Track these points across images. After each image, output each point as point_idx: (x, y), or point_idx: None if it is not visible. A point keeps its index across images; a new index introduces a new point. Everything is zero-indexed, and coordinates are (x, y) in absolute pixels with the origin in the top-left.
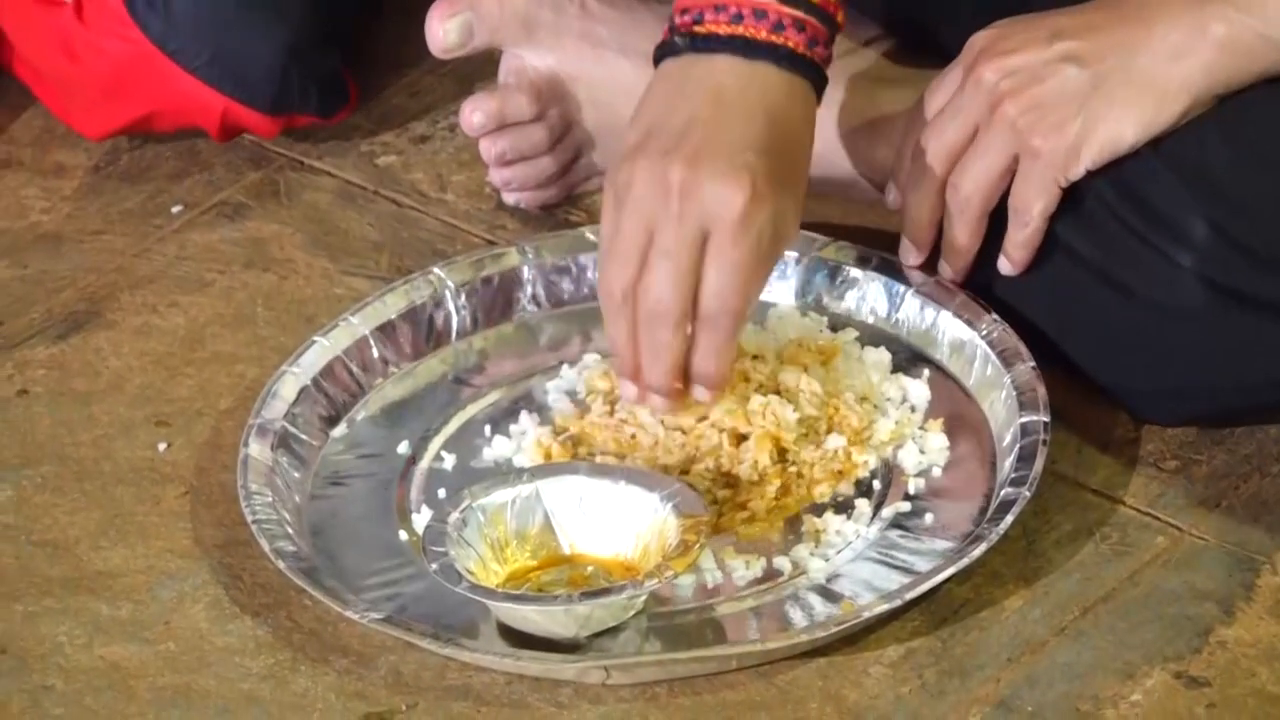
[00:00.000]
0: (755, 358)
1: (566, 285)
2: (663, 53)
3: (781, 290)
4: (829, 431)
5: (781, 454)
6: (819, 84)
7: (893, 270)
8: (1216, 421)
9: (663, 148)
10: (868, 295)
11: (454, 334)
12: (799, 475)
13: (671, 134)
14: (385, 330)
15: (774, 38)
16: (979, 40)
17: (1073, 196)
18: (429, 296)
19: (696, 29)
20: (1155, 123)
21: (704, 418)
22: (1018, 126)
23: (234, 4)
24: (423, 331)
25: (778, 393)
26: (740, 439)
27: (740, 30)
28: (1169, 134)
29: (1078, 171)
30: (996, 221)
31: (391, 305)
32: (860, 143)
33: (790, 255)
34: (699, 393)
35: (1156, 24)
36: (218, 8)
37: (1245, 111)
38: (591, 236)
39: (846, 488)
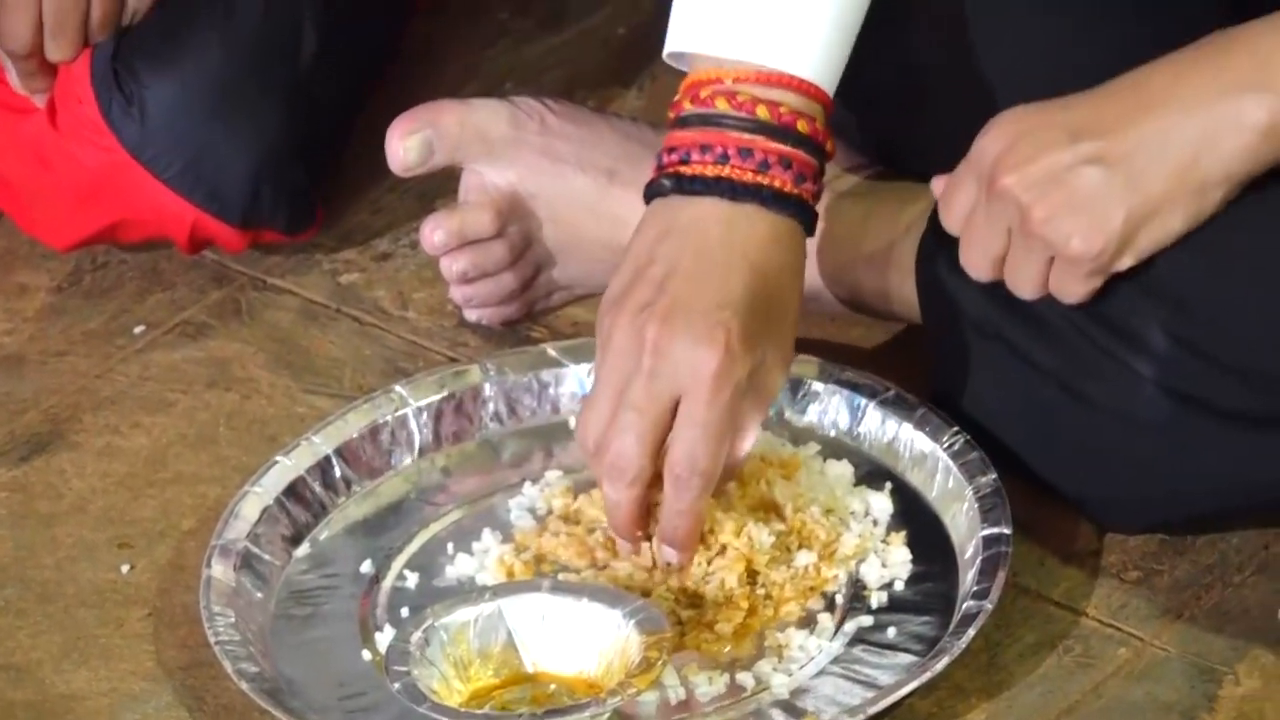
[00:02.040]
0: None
1: (528, 402)
2: (650, 192)
3: None
4: (800, 547)
5: (752, 576)
6: (809, 221)
7: (855, 384)
8: (1180, 529)
9: (640, 301)
10: (829, 409)
11: (416, 452)
12: (767, 596)
13: (651, 285)
14: (348, 449)
15: (760, 179)
16: (991, 146)
17: (1034, 309)
18: (391, 415)
19: (683, 169)
20: (1202, 212)
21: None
22: (1049, 235)
23: (210, 115)
24: (385, 450)
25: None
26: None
27: (725, 172)
28: None
29: (1121, 266)
30: (963, 335)
31: (354, 424)
32: (827, 258)
33: None
34: (667, 553)
35: (1185, 114)
36: (194, 117)
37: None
38: (553, 353)
39: (812, 602)
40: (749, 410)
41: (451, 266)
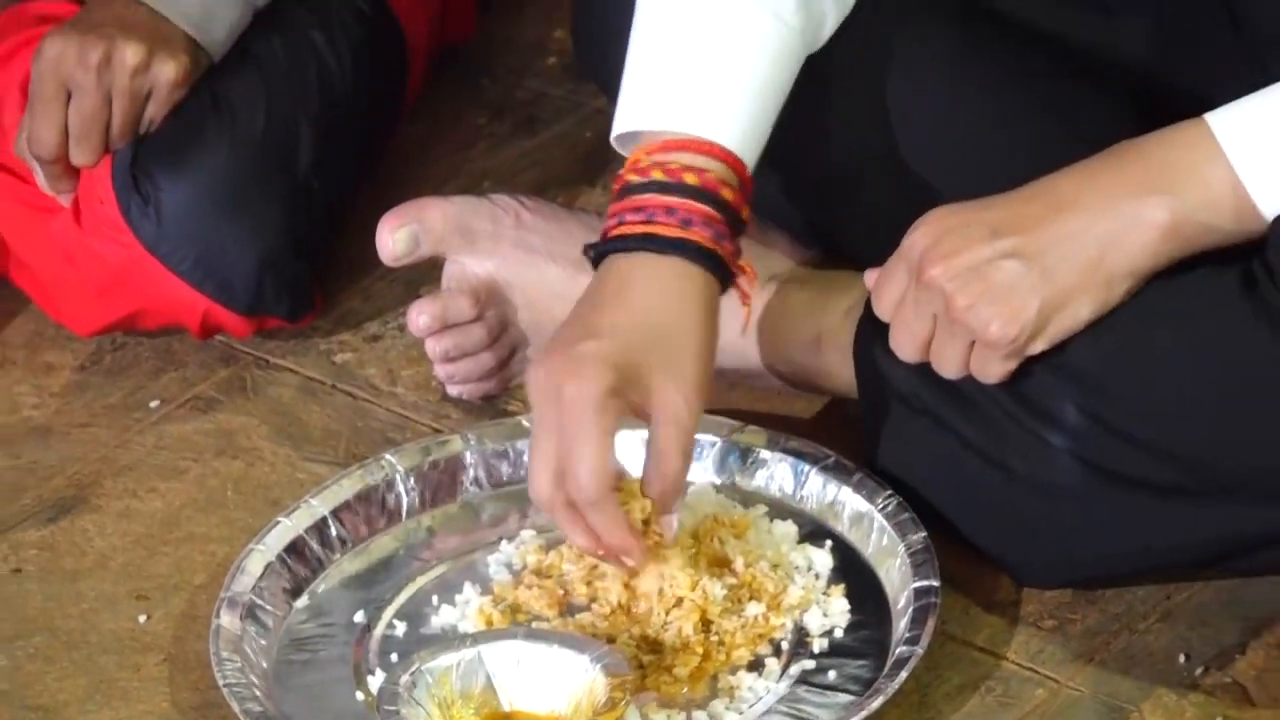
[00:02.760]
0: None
1: (505, 468)
2: (595, 255)
3: (699, 470)
4: (750, 599)
5: (706, 625)
6: (724, 274)
7: (798, 452)
8: (1090, 585)
9: (554, 344)
10: (776, 474)
11: (404, 514)
12: (720, 643)
13: (556, 339)
14: (342, 511)
15: (682, 233)
16: (920, 241)
17: (958, 387)
18: (381, 480)
19: (617, 231)
20: (1108, 302)
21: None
22: (971, 322)
23: (218, 214)
24: (376, 511)
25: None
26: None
27: (652, 229)
28: None
29: (1035, 350)
30: (894, 409)
31: (348, 488)
32: (775, 340)
33: (706, 439)
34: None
35: (1094, 215)
36: (204, 218)
37: None
38: (527, 424)
39: (760, 648)
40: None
41: (435, 347)
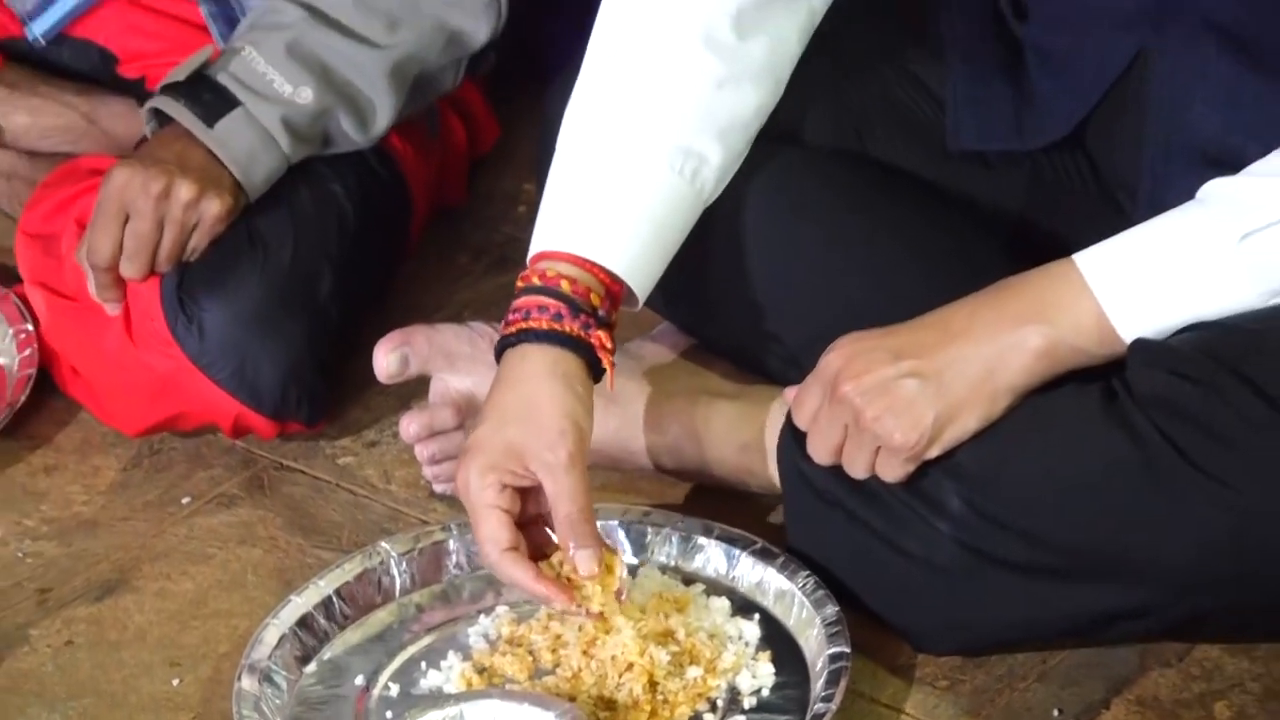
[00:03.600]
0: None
1: None
2: (495, 353)
3: (644, 556)
4: (690, 663)
5: (653, 685)
6: (588, 356)
7: (730, 538)
8: (976, 651)
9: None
10: (711, 558)
11: (397, 592)
12: (665, 701)
13: (477, 418)
14: (345, 590)
15: (553, 325)
16: (834, 361)
17: (865, 485)
18: (378, 564)
19: (503, 331)
20: (991, 414)
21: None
22: (877, 431)
23: (252, 333)
24: (373, 591)
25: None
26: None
27: (526, 324)
28: None
29: (931, 455)
30: (812, 503)
31: (349, 571)
32: (709, 447)
33: (653, 529)
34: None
35: (981, 341)
36: (240, 336)
37: None
38: None
39: (699, 705)
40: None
41: (423, 451)
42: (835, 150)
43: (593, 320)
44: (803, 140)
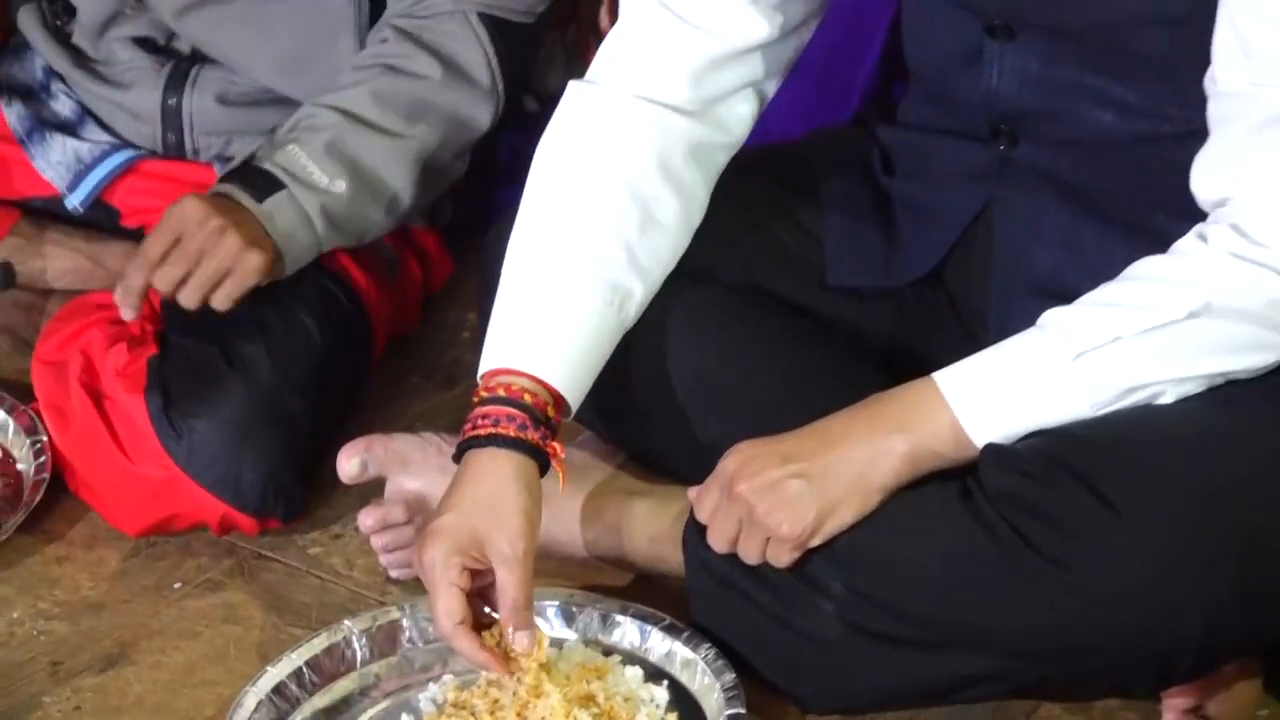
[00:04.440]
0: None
1: (431, 631)
2: (454, 457)
3: (570, 631)
4: None
5: None
6: (535, 455)
7: (644, 615)
8: (855, 711)
9: (426, 526)
10: (628, 632)
11: (358, 663)
12: None
13: (437, 511)
14: (313, 662)
15: (493, 430)
16: (730, 465)
17: (757, 569)
18: (341, 639)
19: (475, 432)
20: (865, 509)
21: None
22: (767, 524)
23: (235, 444)
24: (337, 662)
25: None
26: None
27: (475, 431)
28: None
29: (814, 543)
30: (712, 585)
31: (317, 645)
32: (626, 538)
33: (578, 608)
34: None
35: (855, 448)
36: (224, 446)
37: None
38: None
39: None
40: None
41: (378, 541)
42: (737, 286)
43: (549, 431)
44: (711, 278)
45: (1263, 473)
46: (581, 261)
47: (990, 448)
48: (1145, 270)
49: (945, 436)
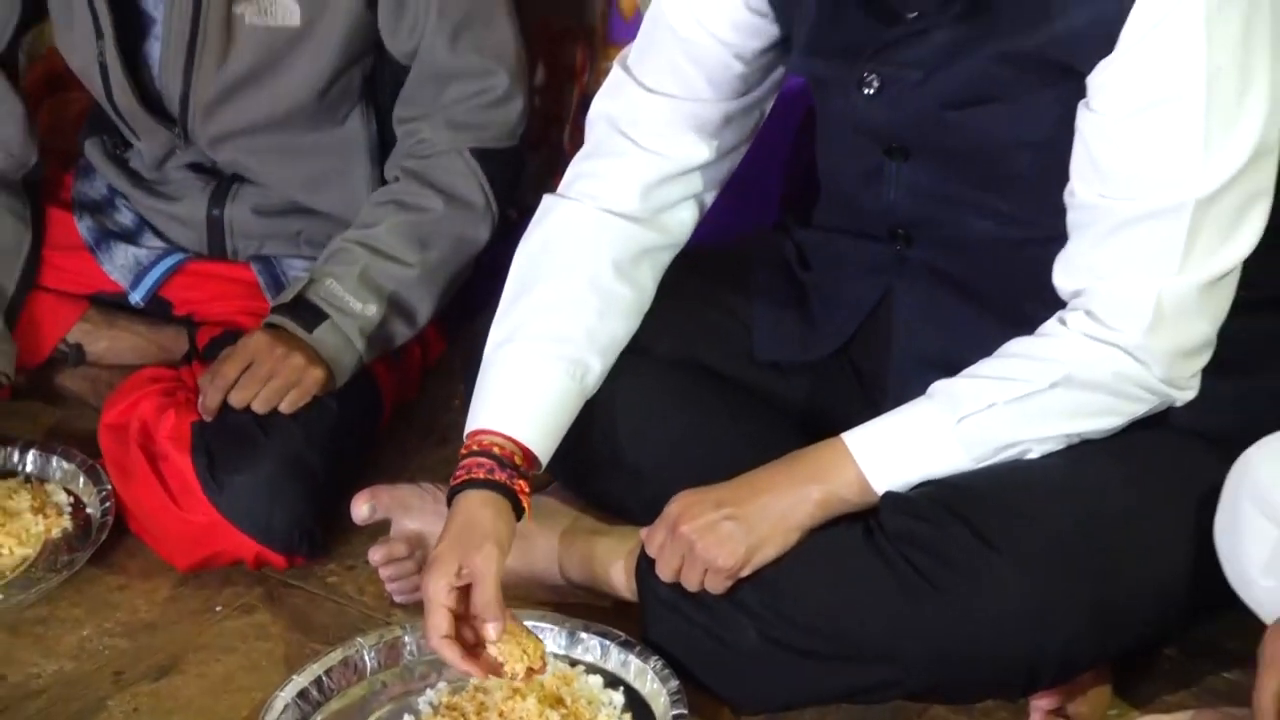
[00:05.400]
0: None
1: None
2: (448, 498)
3: (546, 645)
4: None
5: None
6: (509, 495)
7: (604, 632)
8: (776, 711)
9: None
10: (590, 647)
11: (368, 673)
12: None
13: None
14: (331, 671)
15: (485, 476)
16: (674, 509)
17: (696, 595)
18: (354, 653)
19: (456, 481)
20: (786, 545)
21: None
22: (704, 559)
23: (267, 496)
24: (351, 672)
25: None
26: None
27: (470, 476)
28: None
29: (743, 574)
30: (659, 608)
31: (334, 658)
32: (591, 569)
33: (549, 627)
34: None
35: (778, 495)
36: (257, 498)
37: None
38: None
39: None
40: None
41: (385, 573)
42: (677, 360)
43: (516, 473)
44: (656, 354)
45: (1112, 519)
46: (548, 342)
47: (889, 495)
48: (1016, 348)
49: (853, 486)
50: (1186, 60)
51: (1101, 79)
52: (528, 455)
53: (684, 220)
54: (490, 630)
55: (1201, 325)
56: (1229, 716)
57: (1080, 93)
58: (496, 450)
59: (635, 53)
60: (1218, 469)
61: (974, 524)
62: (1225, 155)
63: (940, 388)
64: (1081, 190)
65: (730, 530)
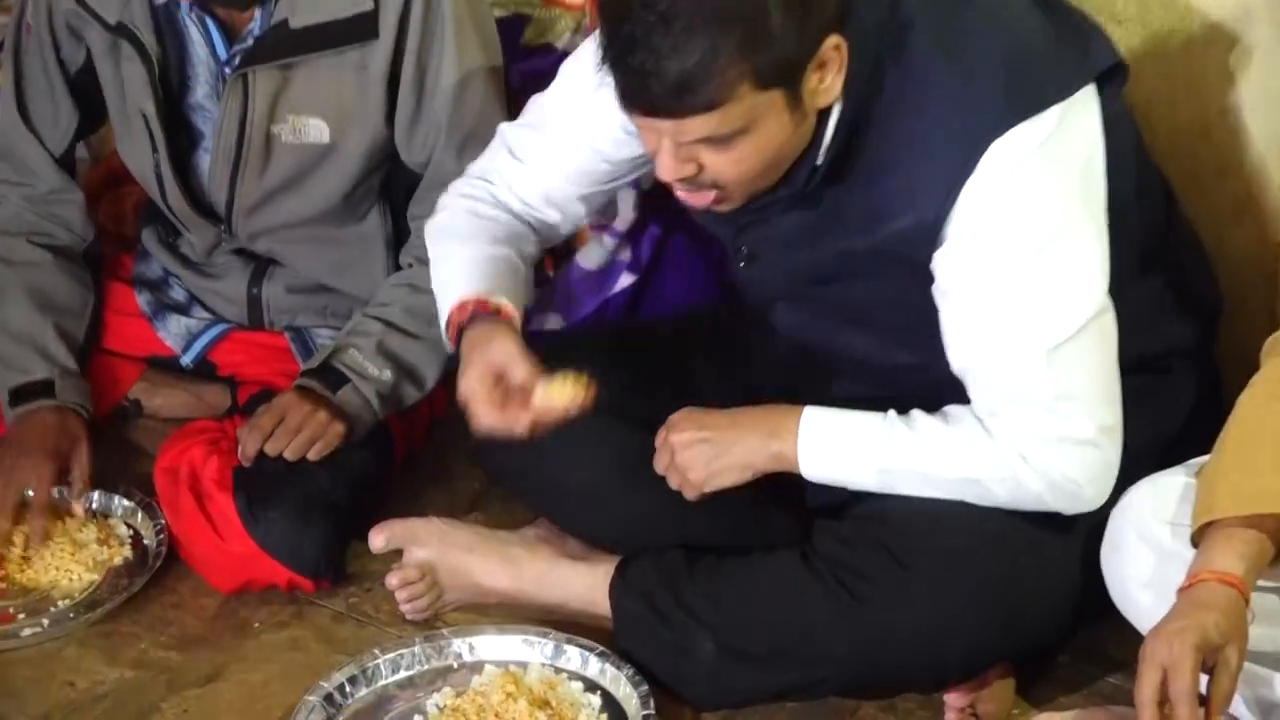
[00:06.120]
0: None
1: (435, 660)
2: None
3: (535, 655)
4: None
5: None
6: (495, 317)
7: (584, 645)
8: (732, 707)
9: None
10: (572, 657)
11: (383, 680)
12: None
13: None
14: (352, 678)
15: (477, 315)
16: (673, 420)
17: (663, 617)
18: (371, 663)
19: (459, 330)
20: (740, 479)
21: None
22: (681, 467)
23: (298, 529)
24: (369, 679)
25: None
26: None
27: (471, 321)
28: (696, 578)
29: (711, 488)
30: (627, 627)
31: (354, 667)
32: (564, 590)
33: (537, 639)
34: None
35: (744, 435)
36: (289, 530)
37: (722, 562)
38: (446, 633)
39: None
40: None
41: (399, 595)
42: (650, 421)
43: (499, 312)
44: (635, 419)
45: (1010, 542)
46: (494, 244)
47: (821, 523)
48: (958, 435)
49: (793, 456)
50: (1013, 246)
51: (940, 267)
52: (501, 306)
53: (562, 227)
54: (538, 389)
55: (1091, 444)
56: (1114, 714)
57: (925, 266)
58: (473, 308)
59: (516, 126)
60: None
61: (892, 548)
62: (1067, 312)
63: (895, 426)
64: (953, 357)
65: (702, 451)
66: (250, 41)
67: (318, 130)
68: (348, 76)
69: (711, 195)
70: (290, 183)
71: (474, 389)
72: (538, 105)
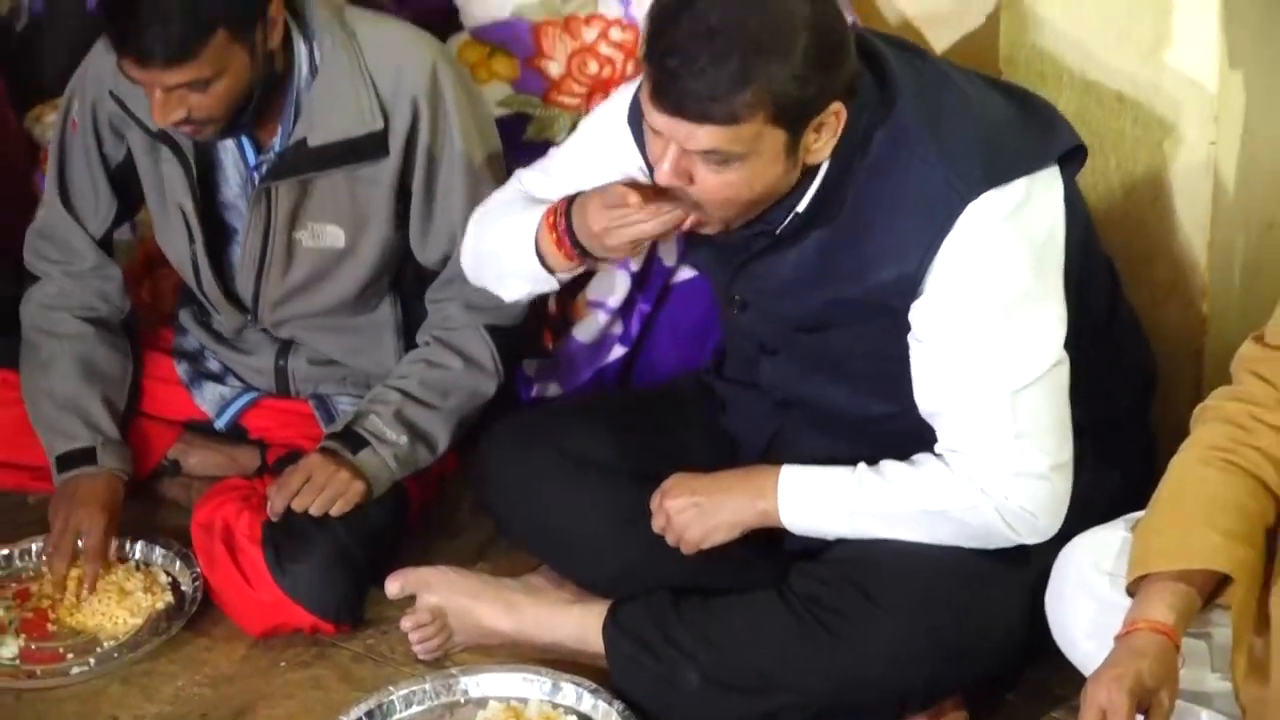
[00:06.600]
0: None
1: (445, 695)
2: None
3: (534, 691)
4: None
5: None
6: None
7: (578, 681)
8: None
9: None
10: (567, 693)
11: (397, 713)
12: None
13: None
14: (368, 713)
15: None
16: (665, 486)
17: (654, 652)
18: (387, 699)
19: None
20: (730, 536)
21: None
22: (676, 529)
23: (322, 579)
24: (385, 713)
25: None
26: None
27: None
28: (683, 617)
29: (705, 545)
30: (618, 664)
31: (371, 702)
32: (557, 629)
33: (536, 677)
34: None
35: (731, 498)
36: (313, 580)
37: (706, 602)
38: (454, 671)
39: None
40: None
41: (413, 637)
42: (641, 474)
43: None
44: (629, 471)
45: (967, 582)
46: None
47: (798, 565)
48: (927, 478)
49: (775, 512)
50: (984, 299)
51: (917, 316)
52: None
53: None
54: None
55: (1047, 481)
56: None
57: (904, 315)
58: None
59: (530, 170)
60: (1048, 549)
61: (861, 585)
62: (1031, 359)
63: (865, 475)
64: (923, 400)
65: (695, 515)
66: (273, 155)
67: (334, 236)
68: (361, 189)
69: (692, 217)
70: (310, 282)
71: (621, 191)
72: (551, 155)
